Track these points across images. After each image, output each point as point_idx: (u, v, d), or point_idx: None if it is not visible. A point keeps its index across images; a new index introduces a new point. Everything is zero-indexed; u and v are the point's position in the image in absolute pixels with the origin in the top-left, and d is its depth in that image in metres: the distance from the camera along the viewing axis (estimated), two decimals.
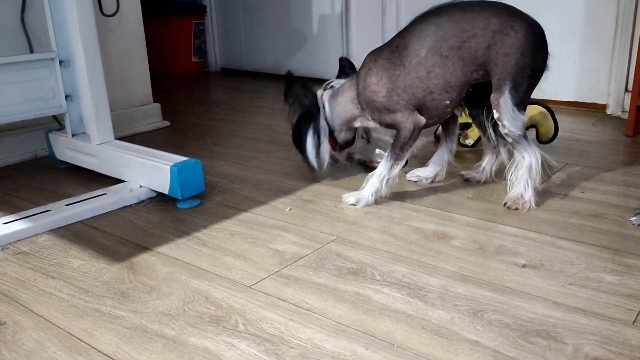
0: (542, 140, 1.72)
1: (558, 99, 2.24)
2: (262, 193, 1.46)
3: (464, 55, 1.25)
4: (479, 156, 1.49)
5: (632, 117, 1.83)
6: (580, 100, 2.21)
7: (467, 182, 1.49)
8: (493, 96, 1.27)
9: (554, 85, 2.22)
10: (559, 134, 1.71)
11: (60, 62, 1.54)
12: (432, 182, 1.49)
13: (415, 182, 1.49)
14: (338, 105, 1.43)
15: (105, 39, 1.98)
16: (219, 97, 2.87)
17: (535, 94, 1.33)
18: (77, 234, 1.26)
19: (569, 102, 2.23)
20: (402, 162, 1.35)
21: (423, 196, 1.41)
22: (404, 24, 1.34)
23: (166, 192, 1.38)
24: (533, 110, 1.68)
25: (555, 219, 1.25)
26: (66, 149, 1.64)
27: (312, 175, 1.55)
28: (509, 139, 1.29)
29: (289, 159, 1.73)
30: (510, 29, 1.23)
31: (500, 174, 1.44)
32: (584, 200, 1.35)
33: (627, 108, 2.01)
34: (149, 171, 1.41)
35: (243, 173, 1.63)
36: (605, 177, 1.49)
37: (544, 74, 1.28)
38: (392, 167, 1.33)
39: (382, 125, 1.38)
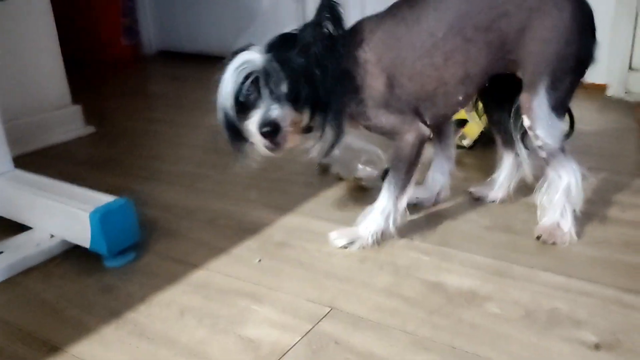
0: None
1: None
2: (219, 233, 1.11)
3: (491, 40, 0.93)
4: (481, 160, 1.17)
5: None
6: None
7: (477, 201, 1.19)
8: (524, 97, 0.96)
9: None
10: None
11: None
12: (436, 202, 1.18)
13: (415, 205, 1.18)
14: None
15: (1, 28, 1.55)
16: (157, 89, 2.46)
17: None
18: None
19: None
20: (410, 190, 1.02)
21: (429, 227, 1.09)
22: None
23: (87, 246, 1.01)
24: None
25: (605, 257, 0.96)
26: None
27: (279, 201, 1.21)
28: (543, 153, 0.98)
29: (250, 175, 1.38)
30: (553, 7, 0.91)
31: (520, 190, 1.14)
32: (628, 223, 1.07)
33: (633, 89, 1.76)
34: (62, 217, 1.03)
35: (192, 202, 1.26)
36: (637, 185, 1.22)
37: (590, 66, 0.97)
38: (398, 198, 1.00)
39: (371, 130, 1.04)
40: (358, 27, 0.99)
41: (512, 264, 0.96)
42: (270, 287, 0.92)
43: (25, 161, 1.54)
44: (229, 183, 1.35)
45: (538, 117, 0.95)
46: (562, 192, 0.99)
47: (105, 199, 1.02)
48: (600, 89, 1.87)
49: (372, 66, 0.97)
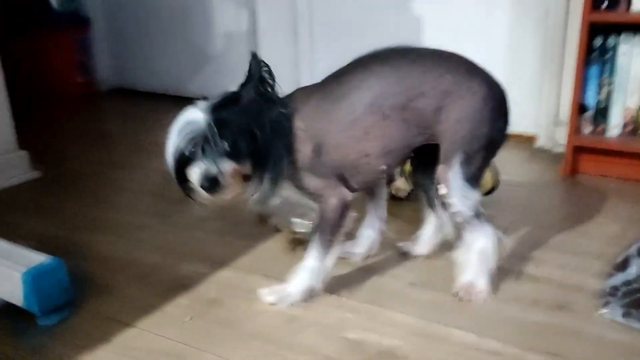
0: (481, 194, 1.52)
1: None
2: (152, 289, 1.14)
3: (407, 118, 1.01)
4: (416, 212, 1.24)
5: (570, 158, 1.68)
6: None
7: (404, 255, 1.25)
8: (440, 168, 1.03)
9: None
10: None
11: None
12: (365, 257, 1.24)
13: (345, 258, 1.23)
14: None
15: None
16: (108, 129, 2.47)
17: None
18: None
19: None
20: (337, 249, 1.08)
21: (357, 283, 1.15)
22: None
23: (21, 304, 1.03)
24: None
25: (516, 316, 1.03)
26: None
27: (216, 254, 1.24)
28: (459, 219, 1.06)
29: (188, 225, 1.41)
30: (466, 91, 0.99)
31: (444, 245, 1.21)
32: (540, 280, 1.15)
33: (560, 141, 1.87)
34: None
35: (129, 254, 1.29)
36: (556, 241, 1.30)
37: (502, 145, 1.06)
38: (325, 258, 1.06)
39: (299, 190, 1.10)
40: (293, 95, 1.07)
41: (430, 322, 1.02)
42: (198, 348, 0.96)
43: None
44: (168, 233, 1.38)
45: (452, 188, 1.02)
46: (477, 253, 1.06)
47: (38, 258, 1.04)
48: (530, 140, 1.98)
49: (302, 132, 1.03)
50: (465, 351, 0.94)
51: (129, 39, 2.95)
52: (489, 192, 1.48)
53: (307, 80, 1.14)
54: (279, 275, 1.12)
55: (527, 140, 1.96)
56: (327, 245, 1.06)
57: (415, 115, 1.00)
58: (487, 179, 1.49)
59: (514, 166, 1.78)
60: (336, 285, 1.13)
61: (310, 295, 1.07)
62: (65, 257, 1.24)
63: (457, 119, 0.99)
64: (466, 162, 1.00)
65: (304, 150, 1.03)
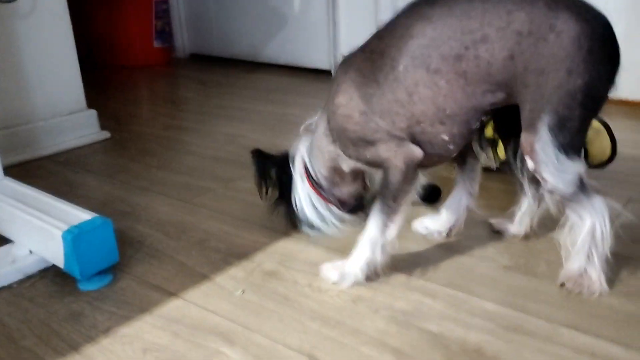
0: (594, 164, 1.28)
1: None
2: (205, 258, 1.02)
3: (466, 70, 0.80)
4: (509, 185, 1.03)
5: None
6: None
7: (497, 235, 1.05)
8: (524, 137, 0.82)
9: None
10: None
11: None
12: (448, 235, 1.05)
13: (425, 235, 1.06)
14: (315, 148, 1.00)
15: (13, 29, 1.51)
16: (180, 95, 2.40)
17: None
18: None
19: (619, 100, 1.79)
20: (400, 218, 0.90)
21: (436, 263, 0.97)
22: (400, 6, 0.88)
23: (62, 266, 0.94)
24: None
25: None
26: None
27: (278, 223, 1.11)
28: (556, 197, 0.85)
29: (252, 192, 1.28)
30: (548, 30, 0.76)
31: (546, 224, 1.00)
32: None
33: None
34: (38, 234, 0.96)
35: (187, 218, 1.18)
36: None
37: (606, 98, 0.82)
38: (385, 226, 0.89)
39: (365, 164, 0.94)
40: (338, 68, 0.93)
41: (530, 316, 0.82)
42: (247, 327, 0.82)
43: (34, 166, 1.51)
44: (230, 199, 1.26)
45: (542, 161, 0.80)
46: (585, 235, 0.84)
47: (82, 216, 0.95)
48: None
49: (344, 107, 0.88)
50: (578, 356, 0.74)
51: (206, 3, 2.87)
52: (605, 163, 1.25)
53: None
54: (344, 249, 0.96)
55: None
56: (390, 212, 0.88)
57: (477, 67, 0.79)
58: (605, 146, 1.25)
59: (632, 137, 1.50)
60: (409, 263, 0.96)
61: (372, 271, 0.91)
62: (122, 218, 1.17)
63: (539, 70, 0.77)
64: (558, 127, 0.78)
65: (350, 123, 0.88)
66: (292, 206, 1.04)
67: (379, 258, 0.90)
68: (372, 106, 0.86)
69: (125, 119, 1.95)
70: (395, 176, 0.87)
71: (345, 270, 0.91)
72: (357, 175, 1.03)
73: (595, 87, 0.78)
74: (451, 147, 0.88)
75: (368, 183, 1.07)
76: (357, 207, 1.06)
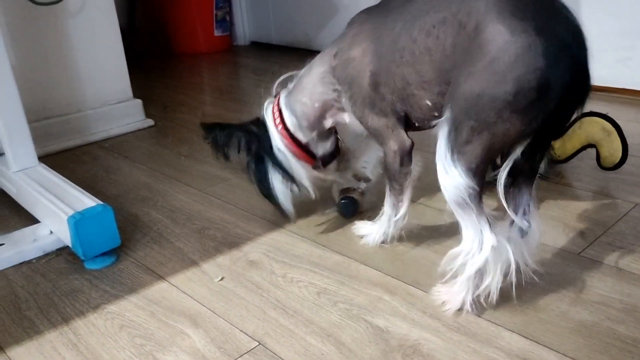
0: (606, 166, 1.23)
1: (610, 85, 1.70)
2: (200, 245, 1.11)
3: (430, 47, 0.80)
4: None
5: None
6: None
7: None
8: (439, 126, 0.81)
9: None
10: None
11: None
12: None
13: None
14: (299, 99, 1.04)
15: (64, 26, 1.67)
16: (229, 83, 2.51)
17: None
18: None
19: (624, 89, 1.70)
20: (407, 197, 0.97)
21: (406, 260, 1.00)
22: None
23: (71, 246, 1.06)
24: (593, 125, 1.20)
25: (587, 321, 0.81)
26: None
27: (275, 216, 1.17)
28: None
29: None
30: (475, 28, 0.73)
31: None
32: None
33: None
34: (54, 217, 1.09)
35: (196, 207, 1.28)
36: None
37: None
38: (394, 205, 0.99)
39: (364, 127, 0.99)
40: (356, 16, 0.97)
41: (478, 317, 0.84)
42: (214, 312, 0.90)
43: (82, 151, 1.67)
44: (241, 190, 1.34)
45: (438, 154, 0.79)
46: (460, 251, 0.81)
47: (88, 203, 1.06)
48: None
49: (358, 62, 0.93)
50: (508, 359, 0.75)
51: None
52: (617, 165, 1.21)
53: None
54: (330, 245, 1.02)
55: None
56: (397, 194, 0.98)
57: (436, 46, 0.79)
58: (615, 147, 1.21)
59: None
60: (384, 261, 0.99)
61: (386, 239, 1.04)
62: (141, 204, 1.29)
63: (468, 72, 0.74)
64: (453, 126, 0.76)
65: (363, 79, 0.92)
66: (260, 167, 1.09)
67: (392, 230, 1.02)
68: (380, 65, 0.89)
69: (172, 107, 2.08)
70: (391, 157, 0.95)
71: (372, 230, 1.04)
72: (331, 132, 1.08)
73: (495, 101, 0.70)
74: (434, 114, 0.85)
75: (341, 145, 1.12)
76: (330, 158, 1.10)
